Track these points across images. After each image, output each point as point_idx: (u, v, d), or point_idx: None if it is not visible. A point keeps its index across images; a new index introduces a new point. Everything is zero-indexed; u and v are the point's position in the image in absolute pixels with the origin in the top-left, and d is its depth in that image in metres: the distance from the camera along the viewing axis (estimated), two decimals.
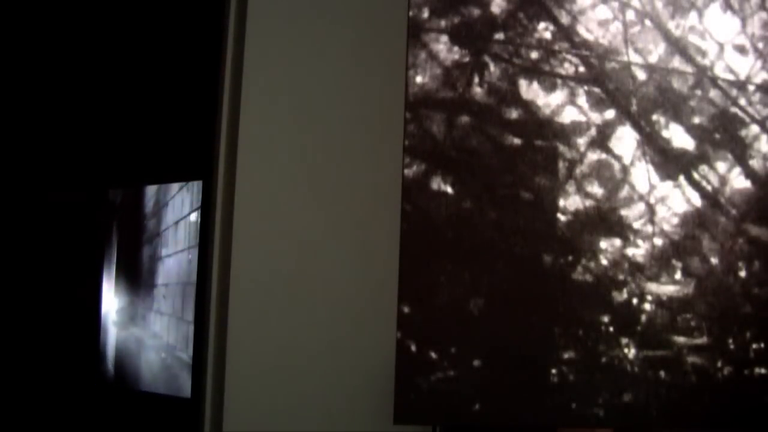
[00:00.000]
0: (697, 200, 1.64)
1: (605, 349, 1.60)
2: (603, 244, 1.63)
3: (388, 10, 2.22)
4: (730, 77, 1.66)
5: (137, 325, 2.99)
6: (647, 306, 1.61)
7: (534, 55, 1.66)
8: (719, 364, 1.59)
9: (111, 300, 3.10)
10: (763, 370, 1.59)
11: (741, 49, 1.66)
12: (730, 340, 1.60)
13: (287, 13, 2.27)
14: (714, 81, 1.66)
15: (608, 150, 1.64)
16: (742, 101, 1.65)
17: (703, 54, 1.66)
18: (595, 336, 1.60)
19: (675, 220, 1.63)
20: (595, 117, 1.65)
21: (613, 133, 1.65)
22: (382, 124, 2.16)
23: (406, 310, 1.60)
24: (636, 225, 1.63)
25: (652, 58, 1.66)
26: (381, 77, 2.23)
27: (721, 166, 1.64)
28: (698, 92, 1.66)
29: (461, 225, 1.62)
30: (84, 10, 3.14)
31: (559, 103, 1.65)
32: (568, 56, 1.66)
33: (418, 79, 1.65)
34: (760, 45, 1.66)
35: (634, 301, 1.62)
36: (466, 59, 1.65)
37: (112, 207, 3.18)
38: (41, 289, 3.19)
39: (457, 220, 1.62)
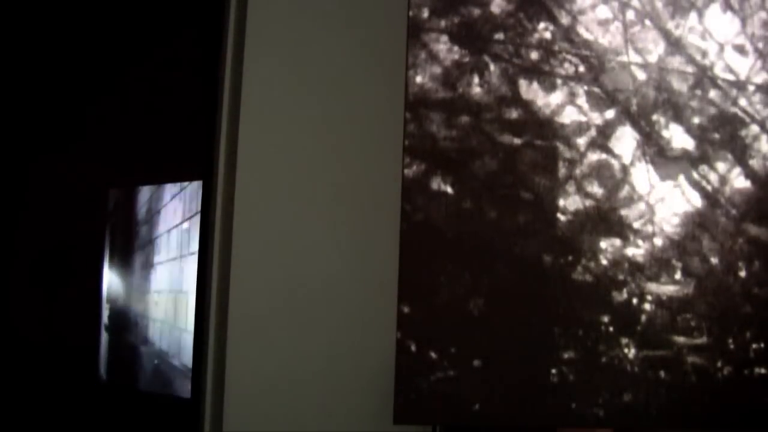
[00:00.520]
0: (697, 200, 1.64)
1: (605, 349, 1.60)
2: (603, 244, 1.63)
3: (388, 10, 2.22)
4: (730, 77, 1.66)
5: (131, 329, 2.99)
6: (647, 306, 1.61)
7: (534, 55, 1.66)
8: (719, 364, 1.59)
9: (106, 302, 3.11)
10: (763, 370, 1.59)
11: (741, 49, 1.66)
12: (730, 340, 1.60)
13: (287, 13, 2.27)
14: (714, 81, 1.66)
15: (608, 150, 1.64)
16: (742, 101, 1.65)
17: (703, 54, 1.66)
18: (595, 336, 1.60)
19: (675, 220, 1.63)
20: (595, 117, 1.65)
21: (613, 133, 1.65)
22: (382, 124, 2.16)
23: (406, 310, 1.60)
24: (636, 225, 1.63)
25: (652, 58, 1.66)
26: (381, 77, 2.23)
27: (721, 166, 1.64)
28: (698, 92, 1.66)
29: (461, 225, 1.62)
30: (84, 10, 3.14)
31: (559, 103, 1.65)
32: (568, 56, 1.66)
33: (418, 79, 1.65)
34: (760, 45, 1.66)
35: (634, 301, 1.62)
36: (466, 59, 1.65)
37: (109, 208, 3.18)
38: (41, 289, 3.18)
39: (457, 220, 1.62)
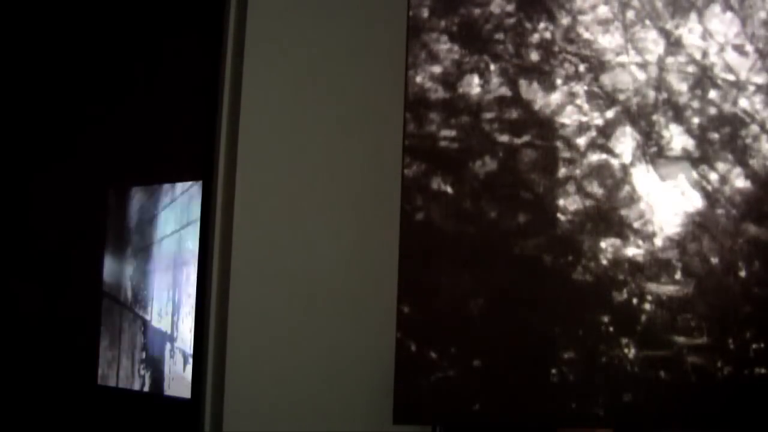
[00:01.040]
0: (697, 200, 1.64)
1: (605, 349, 1.60)
2: (603, 244, 1.62)
3: (388, 10, 2.22)
4: (730, 77, 1.66)
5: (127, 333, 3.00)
6: (647, 306, 1.61)
7: (534, 55, 1.66)
8: (719, 364, 1.59)
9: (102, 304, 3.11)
10: (763, 370, 1.59)
11: (741, 49, 1.66)
12: (730, 340, 1.60)
13: (287, 13, 2.27)
14: (714, 81, 1.66)
15: (608, 150, 1.64)
16: (742, 101, 1.65)
17: (703, 54, 1.66)
18: (595, 336, 1.60)
19: (675, 220, 1.63)
20: (595, 117, 1.65)
21: (613, 133, 1.65)
22: (382, 124, 2.16)
23: (406, 310, 1.60)
24: (636, 225, 1.63)
25: (652, 58, 1.66)
26: (381, 77, 2.23)
27: (721, 166, 1.64)
28: (698, 92, 1.66)
29: (461, 225, 1.62)
30: (84, 10, 3.14)
31: (559, 103, 1.65)
32: (568, 56, 1.66)
33: (418, 79, 1.65)
34: (760, 45, 1.66)
35: (634, 301, 1.62)
36: (466, 59, 1.65)
37: (108, 207, 3.18)
38: (40, 289, 3.18)
39: (456, 220, 1.62)
